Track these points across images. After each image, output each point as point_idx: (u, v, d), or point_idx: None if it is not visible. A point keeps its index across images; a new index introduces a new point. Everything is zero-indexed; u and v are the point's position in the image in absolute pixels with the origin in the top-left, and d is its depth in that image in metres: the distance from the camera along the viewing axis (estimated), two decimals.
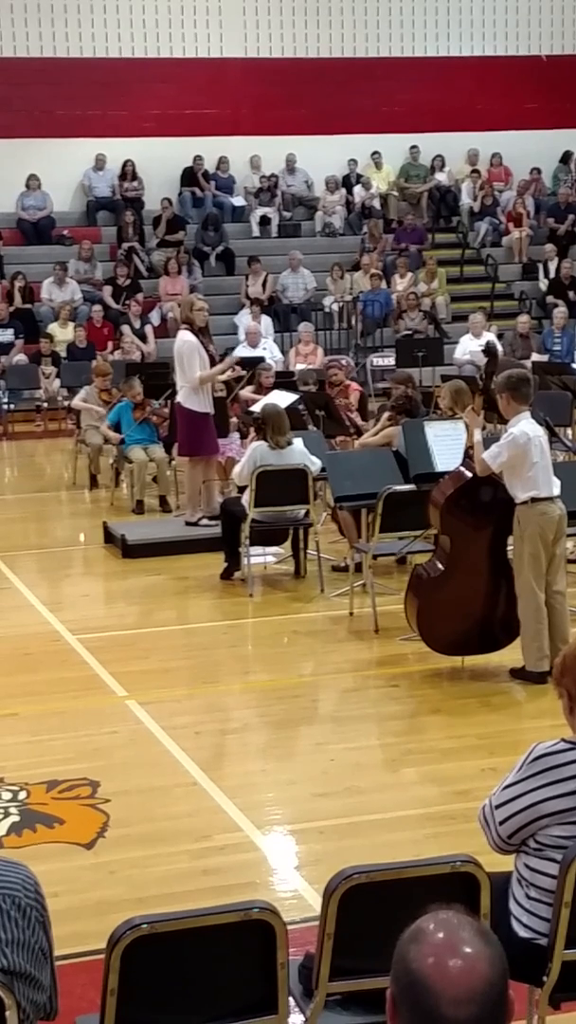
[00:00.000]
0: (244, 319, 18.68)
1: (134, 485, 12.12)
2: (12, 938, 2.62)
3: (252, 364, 13.55)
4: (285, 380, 13.44)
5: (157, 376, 13.10)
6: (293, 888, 4.94)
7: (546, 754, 3.42)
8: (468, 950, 1.74)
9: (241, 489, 9.42)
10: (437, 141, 21.78)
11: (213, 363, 10.54)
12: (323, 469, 9.15)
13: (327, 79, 21.30)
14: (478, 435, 7.05)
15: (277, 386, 12.33)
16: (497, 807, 3.47)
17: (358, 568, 8.77)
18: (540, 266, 20.76)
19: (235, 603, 9.00)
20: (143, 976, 2.99)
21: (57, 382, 17.35)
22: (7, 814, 5.60)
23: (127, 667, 7.59)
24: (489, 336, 16.44)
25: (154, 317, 18.94)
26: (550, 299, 19.84)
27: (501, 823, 3.46)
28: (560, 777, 3.39)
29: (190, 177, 21.00)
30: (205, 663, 7.87)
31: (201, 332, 10.39)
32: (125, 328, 18.21)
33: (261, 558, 9.74)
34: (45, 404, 17.37)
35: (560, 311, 18.27)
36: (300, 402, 11.22)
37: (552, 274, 20.43)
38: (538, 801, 3.39)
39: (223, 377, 11.00)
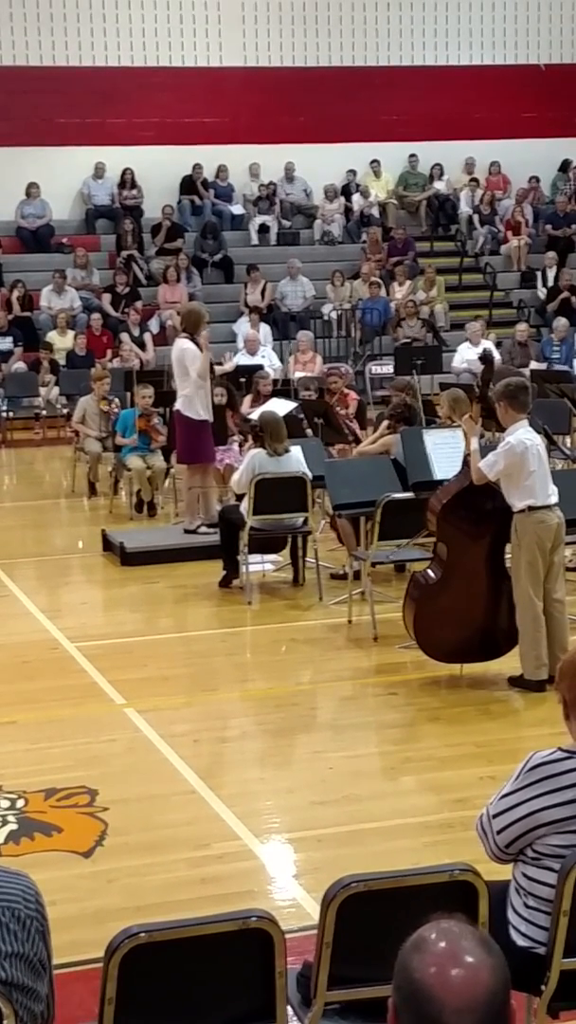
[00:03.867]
0: (243, 327, 18.70)
1: (132, 494, 12.15)
2: (11, 951, 2.62)
3: (250, 372, 13.57)
4: (282, 389, 13.46)
5: (155, 384, 13.11)
6: (291, 896, 4.94)
7: (543, 763, 3.42)
8: (470, 959, 1.74)
9: (239, 497, 9.42)
10: (436, 150, 21.82)
11: (212, 370, 10.54)
12: (316, 477, 9.14)
13: (326, 88, 21.35)
14: (475, 443, 7.05)
15: (274, 395, 12.34)
16: (494, 816, 3.47)
17: (356, 576, 8.78)
18: (538, 274, 20.79)
19: (233, 611, 9.00)
20: (141, 985, 2.99)
21: (56, 390, 17.38)
22: (5, 822, 5.59)
23: (125, 675, 7.59)
24: (487, 344, 16.47)
25: (153, 325, 18.96)
26: (550, 307, 19.87)
27: (499, 832, 3.45)
28: (557, 786, 3.39)
29: (189, 185, 21.04)
30: (203, 671, 7.87)
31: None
32: (124, 336, 18.23)
33: (259, 566, 9.74)
34: (44, 412, 17.39)
35: (561, 321, 18.28)
36: (298, 410, 11.23)
37: (550, 282, 20.46)
38: (536, 810, 3.39)
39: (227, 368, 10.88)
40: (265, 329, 18.69)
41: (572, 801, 3.38)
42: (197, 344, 10.36)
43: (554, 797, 3.38)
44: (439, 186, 21.96)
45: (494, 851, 3.51)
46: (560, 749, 3.45)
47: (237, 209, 21.23)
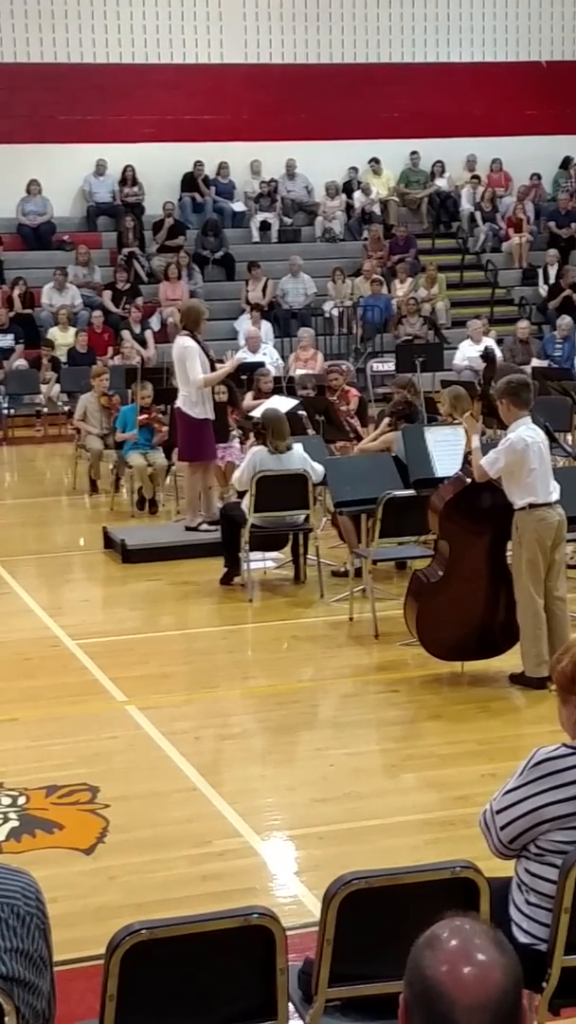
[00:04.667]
0: (244, 324, 18.69)
1: (134, 491, 12.15)
2: (11, 947, 2.62)
3: (252, 369, 13.57)
4: (282, 386, 13.46)
5: (155, 382, 13.12)
6: (292, 894, 4.94)
7: (547, 759, 3.42)
8: (482, 958, 1.74)
9: (241, 494, 9.42)
10: (437, 147, 21.81)
11: (213, 367, 10.54)
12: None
13: (327, 85, 21.33)
14: (476, 441, 7.05)
15: (275, 392, 12.34)
16: (498, 812, 3.47)
17: (358, 573, 8.77)
18: (540, 271, 20.78)
19: (235, 608, 9.00)
20: (142, 982, 2.99)
21: (57, 387, 17.37)
22: (6, 819, 5.59)
23: (127, 672, 7.59)
24: (488, 341, 16.46)
25: (154, 322, 18.95)
26: (552, 304, 19.85)
27: (502, 828, 3.46)
28: (561, 782, 3.39)
29: (190, 182, 21.03)
30: (205, 668, 7.87)
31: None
32: (125, 333, 18.23)
33: (261, 563, 9.74)
34: (45, 409, 17.40)
35: (566, 320, 18.26)
36: (300, 407, 11.22)
37: (552, 280, 20.45)
38: (539, 806, 3.39)
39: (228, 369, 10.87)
40: (266, 326, 18.68)
41: (575, 798, 3.39)
42: (198, 341, 10.34)
43: (558, 793, 3.39)
44: (440, 183, 21.95)
45: (497, 847, 3.51)
46: (565, 745, 3.45)
47: (238, 206, 21.22)
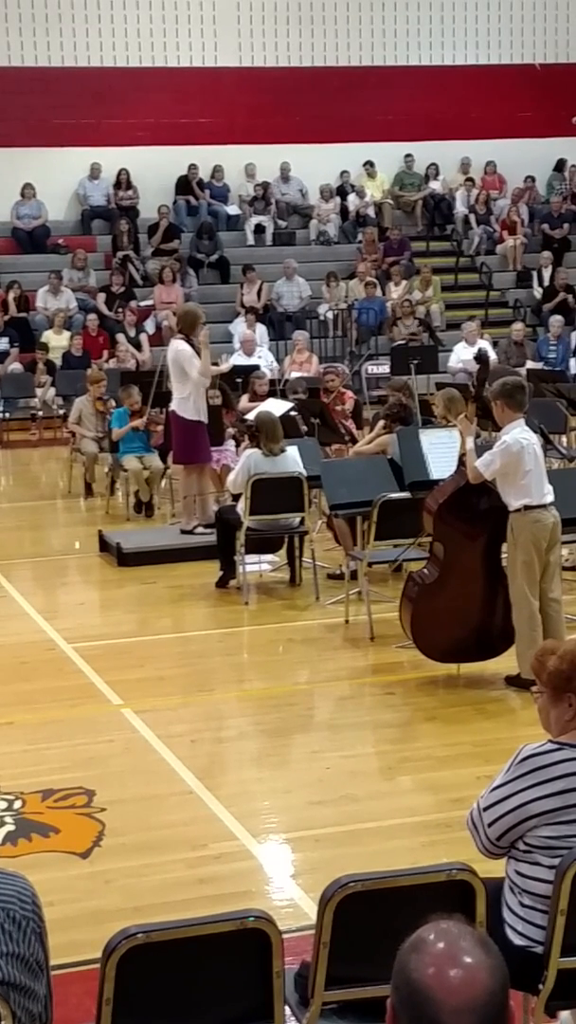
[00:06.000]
0: (239, 328, 18.70)
1: (129, 494, 12.15)
2: (7, 951, 2.62)
3: (247, 372, 13.58)
4: (277, 389, 13.47)
5: (148, 385, 13.11)
6: (289, 897, 4.94)
7: (533, 755, 3.44)
8: (469, 960, 1.74)
9: (236, 497, 9.42)
10: (431, 149, 21.83)
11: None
12: (313, 477, 9.14)
13: (321, 88, 21.35)
14: (470, 442, 7.05)
15: (270, 395, 12.34)
16: (485, 809, 3.48)
17: (353, 576, 8.78)
18: (534, 274, 20.81)
19: (230, 611, 9.00)
20: (139, 985, 2.99)
21: (52, 390, 17.37)
22: (3, 823, 5.59)
23: (123, 676, 7.59)
24: (483, 344, 16.48)
25: (149, 326, 18.96)
26: (546, 307, 19.89)
27: (490, 825, 3.46)
28: (548, 777, 3.40)
29: (185, 186, 21.05)
30: (200, 671, 7.87)
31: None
32: (120, 337, 18.23)
33: (256, 566, 9.74)
34: (40, 413, 17.39)
35: (557, 319, 18.29)
36: (294, 409, 11.23)
37: (546, 282, 20.48)
38: (527, 801, 3.41)
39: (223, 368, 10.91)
40: (261, 329, 18.69)
41: (562, 792, 3.40)
42: (192, 345, 10.35)
43: (544, 788, 3.40)
44: (435, 186, 21.97)
45: (485, 844, 3.51)
46: (550, 741, 3.47)
47: (233, 209, 21.23)
